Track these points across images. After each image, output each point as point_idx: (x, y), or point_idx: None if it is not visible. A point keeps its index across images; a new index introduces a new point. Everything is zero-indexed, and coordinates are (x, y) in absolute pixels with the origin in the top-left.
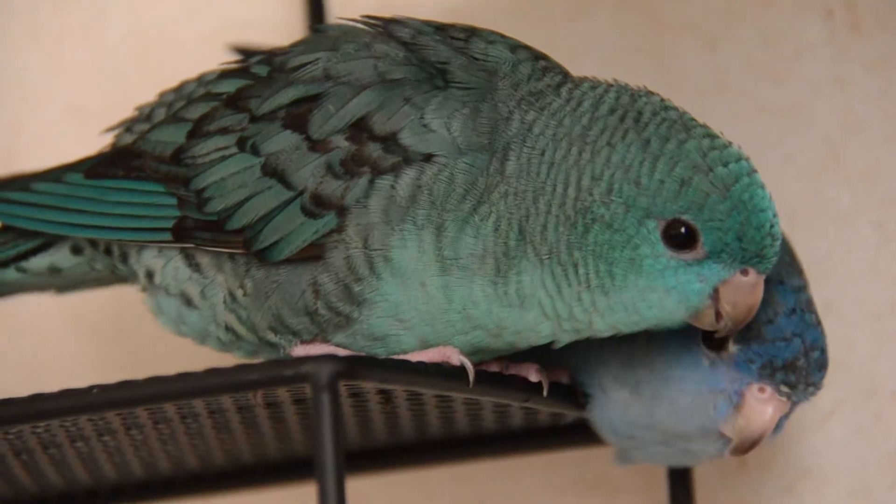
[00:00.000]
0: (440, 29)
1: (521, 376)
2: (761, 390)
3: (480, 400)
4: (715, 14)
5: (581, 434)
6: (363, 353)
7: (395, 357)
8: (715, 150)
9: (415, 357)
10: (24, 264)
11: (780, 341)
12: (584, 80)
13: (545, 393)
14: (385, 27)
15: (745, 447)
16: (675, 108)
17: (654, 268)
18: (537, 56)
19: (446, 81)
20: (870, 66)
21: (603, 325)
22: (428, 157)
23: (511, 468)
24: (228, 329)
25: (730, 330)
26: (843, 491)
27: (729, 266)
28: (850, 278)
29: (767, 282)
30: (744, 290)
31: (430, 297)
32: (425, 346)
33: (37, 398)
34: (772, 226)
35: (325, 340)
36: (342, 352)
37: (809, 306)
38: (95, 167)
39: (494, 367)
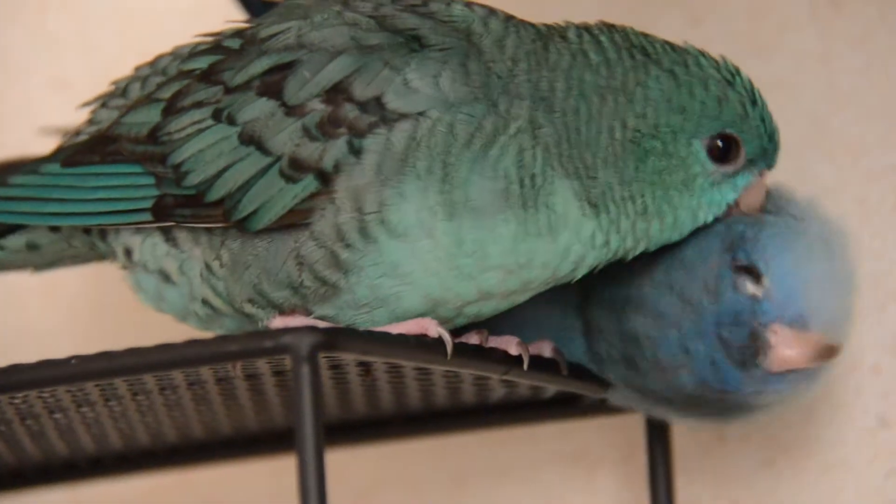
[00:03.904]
0: (394, 1)
1: (501, 349)
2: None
3: (460, 373)
4: None
5: (561, 407)
6: (343, 325)
7: (376, 329)
8: (718, 61)
9: (394, 329)
10: (1, 242)
11: None
12: (556, 30)
13: (526, 366)
14: (346, 3)
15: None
16: (648, 34)
17: (703, 185)
18: (492, 9)
19: (421, 45)
20: (853, 42)
21: (642, 249)
22: (418, 115)
23: (490, 441)
24: (205, 303)
25: None
26: (823, 465)
27: (754, 171)
28: None
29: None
30: (759, 191)
31: (436, 246)
32: (429, 300)
33: (15, 368)
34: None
35: (308, 313)
36: (322, 323)
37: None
38: (72, 155)
39: (475, 340)
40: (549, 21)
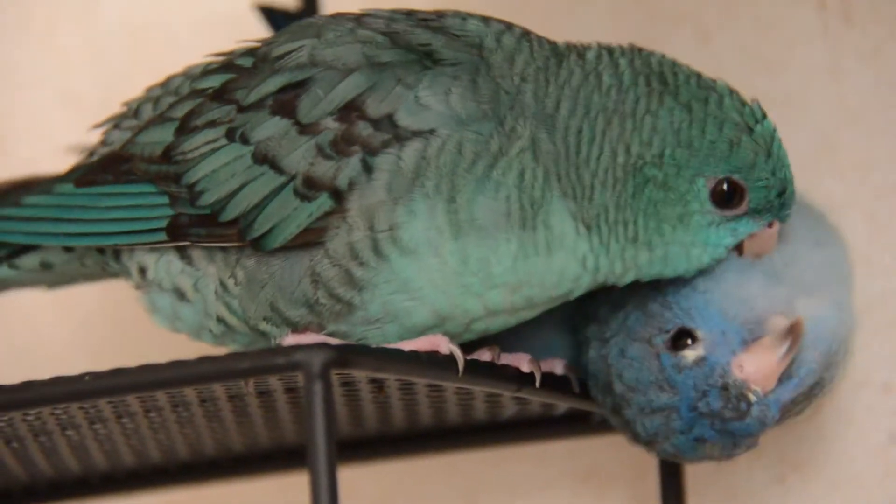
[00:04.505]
0: (409, 14)
1: (513, 366)
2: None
3: (472, 390)
4: (709, 5)
5: (572, 425)
6: (355, 343)
7: (388, 346)
8: (745, 106)
9: (406, 346)
10: (16, 261)
11: None
12: (576, 48)
13: (538, 384)
14: (358, 20)
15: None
16: (681, 64)
17: (700, 224)
18: (508, 25)
19: (433, 61)
20: (863, 58)
21: (631, 278)
22: (429, 133)
23: (502, 459)
24: (220, 320)
25: None
26: (834, 482)
27: (760, 220)
28: None
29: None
30: (768, 241)
31: (443, 264)
32: (437, 315)
33: (28, 385)
34: (792, 177)
35: (321, 329)
36: (334, 340)
37: None
38: (86, 175)
39: (486, 357)
40: (559, 37)
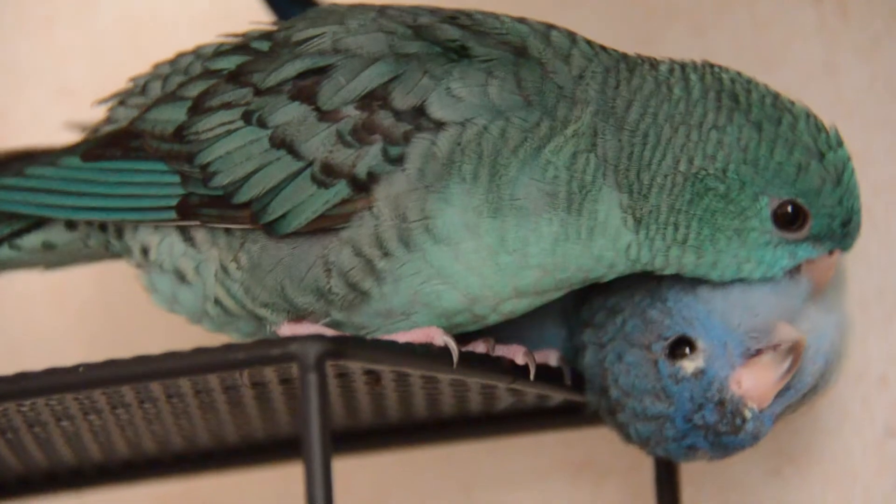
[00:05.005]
0: (434, 11)
1: (507, 358)
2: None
3: (467, 381)
4: (705, 1)
5: (567, 416)
6: (350, 334)
7: (382, 338)
8: (821, 132)
9: (401, 338)
10: (17, 241)
11: None
12: (648, 59)
13: (532, 376)
14: (382, 11)
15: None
16: (759, 83)
17: (757, 241)
18: (549, 25)
19: (464, 56)
20: (859, 53)
21: (672, 272)
22: (464, 122)
23: (497, 450)
24: (217, 303)
25: None
26: (829, 475)
27: (821, 247)
28: None
29: None
30: (827, 270)
31: (480, 244)
32: (468, 298)
33: (22, 376)
34: (860, 209)
35: (327, 318)
36: (329, 332)
37: None
38: (93, 149)
39: (481, 349)
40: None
